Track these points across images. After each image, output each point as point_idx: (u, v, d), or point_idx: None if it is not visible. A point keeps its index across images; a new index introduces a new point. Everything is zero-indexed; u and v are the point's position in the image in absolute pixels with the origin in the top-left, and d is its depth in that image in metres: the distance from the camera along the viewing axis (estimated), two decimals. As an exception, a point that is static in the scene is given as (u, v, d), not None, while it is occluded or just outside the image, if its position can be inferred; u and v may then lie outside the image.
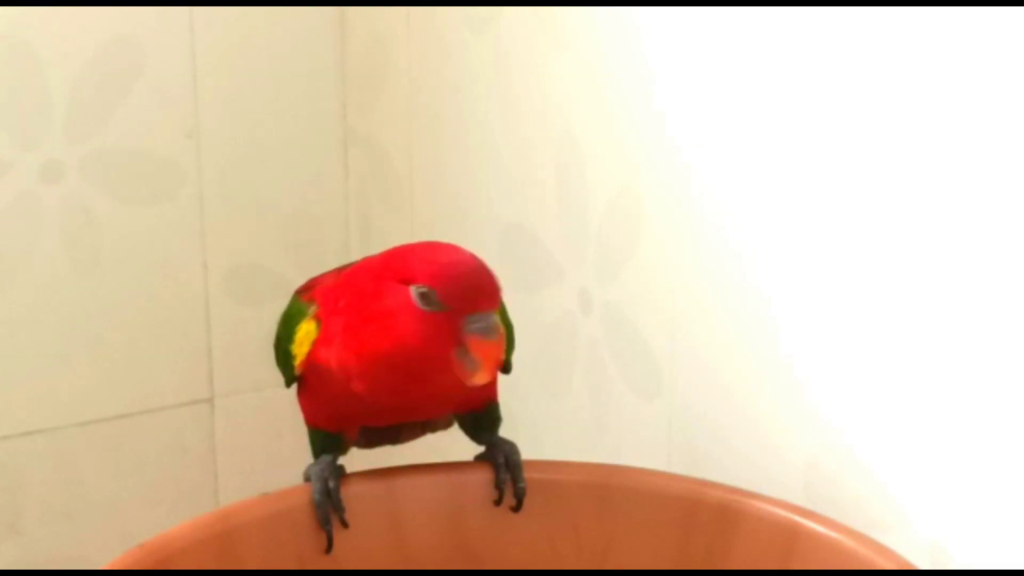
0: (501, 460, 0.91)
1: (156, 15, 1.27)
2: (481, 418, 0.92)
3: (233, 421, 1.37)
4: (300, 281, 1.36)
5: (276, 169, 1.35)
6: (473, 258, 0.81)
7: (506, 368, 0.91)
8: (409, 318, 0.80)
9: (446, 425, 0.96)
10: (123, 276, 1.31)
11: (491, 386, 0.91)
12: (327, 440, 0.90)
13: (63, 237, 1.28)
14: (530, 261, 1.11)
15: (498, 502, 0.91)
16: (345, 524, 0.89)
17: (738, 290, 0.95)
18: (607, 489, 0.91)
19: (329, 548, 0.88)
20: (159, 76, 1.28)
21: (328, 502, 0.88)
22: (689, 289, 0.99)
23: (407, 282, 0.80)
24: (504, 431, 0.93)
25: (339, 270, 0.90)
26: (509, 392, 0.93)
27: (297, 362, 0.86)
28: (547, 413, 1.14)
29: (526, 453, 0.92)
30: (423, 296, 0.79)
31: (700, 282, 0.98)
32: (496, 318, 0.79)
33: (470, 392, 0.84)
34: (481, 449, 0.93)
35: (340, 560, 0.89)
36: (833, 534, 0.85)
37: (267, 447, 1.38)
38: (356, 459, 0.94)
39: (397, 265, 0.82)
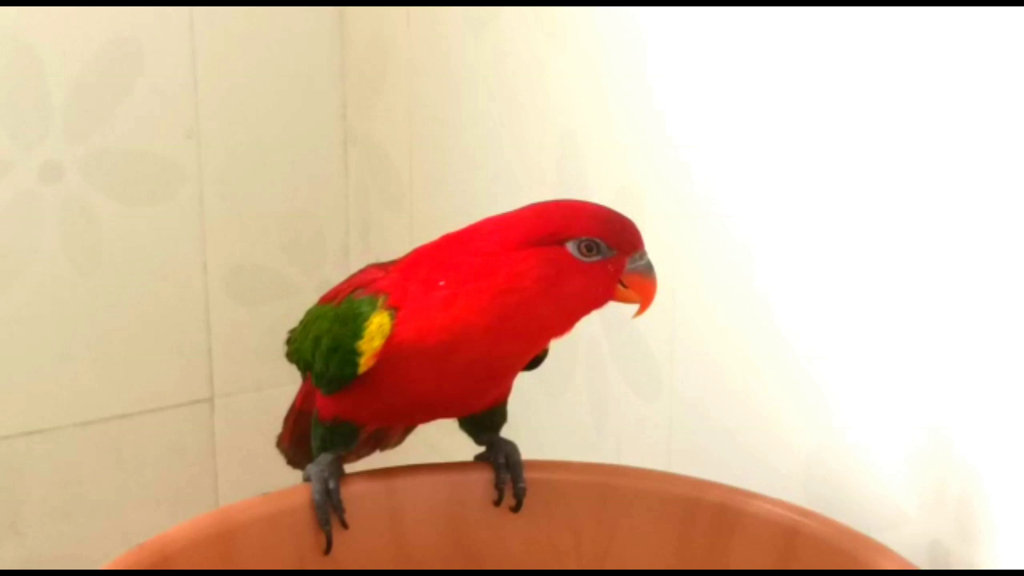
0: (501, 460, 0.91)
1: (156, 15, 1.27)
2: (495, 414, 0.92)
3: (233, 421, 1.38)
4: (300, 281, 1.37)
5: (276, 169, 1.35)
6: (600, 205, 0.85)
7: (534, 363, 0.91)
8: (574, 272, 0.82)
9: (395, 443, 0.97)
10: (123, 276, 1.31)
11: (509, 382, 0.91)
12: (343, 435, 0.90)
13: (63, 237, 1.28)
14: (530, 261, 1.11)
15: (498, 502, 0.91)
16: (345, 525, 0.89)
17: (738, 290, 0.95)
18: (607, 489, 0.91)
19: (328, 548, 0.88)
20: (159, 76, 1.28)
21: (328, 502, 0.88)
22: (689, 289, 0.99)
23: (559, 242, 0.82)
24: (504, 431, 0.93)
25: (383, 266, 0.89)
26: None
27: (366, 357, 0.85)
28: (547, 413, 1.14)
29: (526, 453, 0.92)
30: (588, 247, 0.82)
31: (700, 282, 0.98)
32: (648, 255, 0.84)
33: (506, 386, 0.90)
34: (481, 449, 0.93)
35: (340, 560, 0.89)
36: (833, 534, 0.85)
37: (267, 447, 1.38)
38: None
39: (531, 231, 0.83)
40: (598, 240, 0.82)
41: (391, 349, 0.84)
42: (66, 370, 1.31)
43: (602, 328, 1.07)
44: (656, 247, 1.01)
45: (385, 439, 0.97)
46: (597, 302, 0.84)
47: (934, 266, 0.82)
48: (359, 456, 0.96)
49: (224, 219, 1.34)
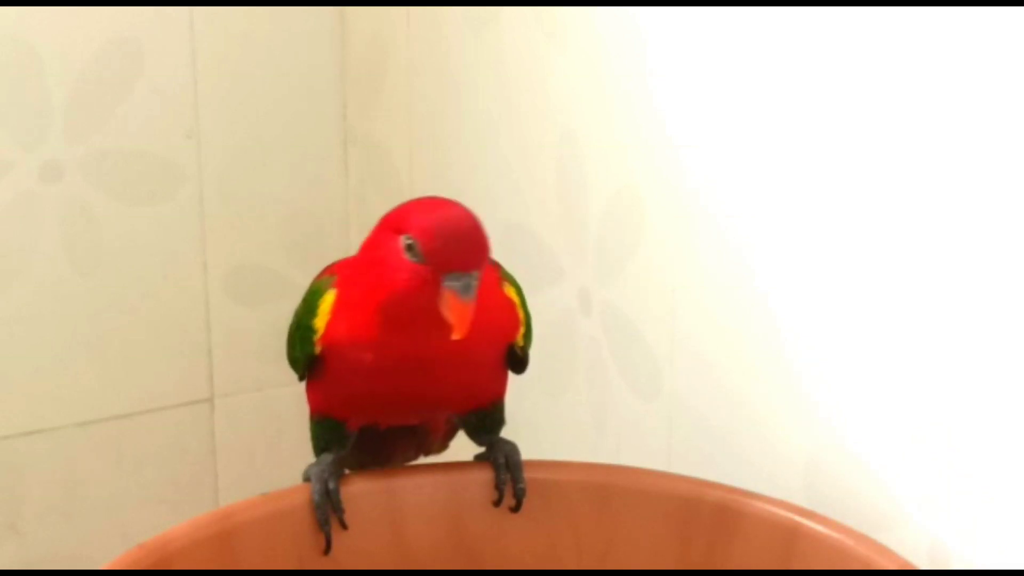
0: (501, 460, 0.91)
1: (156, 15, 1.27)
2: (486, 417, 0.92)
3: (233, 421, 1.38)
4: (300, 281, 1.36)
5: (276, 169, 1.35)
6: (465, 217, 0.82)
7: (520, 367, 0.91)
8: (396, 265, 0.81)
9: (440, 448, 0.97)
10: (123, 276, 1.31)
11: (500, 383, 0.91)
12: (330, 431, 0.90)
13: (63, 237, 1.28)
14: (530, 261, 1.11)
15: (498, 502, 0.91)
16: (344, 525, 0.89)
17: (738, 290, 0.95)
18: (607, 489, 0.91)
19: (328, 549, 0.88)
20: (159, 76, 1.28)
21: (327, 503, 0.88)
22: (689, 289, 0.99)
23: (400, 232, 0.81)
24: (504, 431, 0.93)
25: None
26: (509, 392, 0.92)
27: (317, 336, 0.86)
28: (547, 413, 1.14)
29: (526, 453, 0.92)
30: (409, 247, 0.81)
31: (700, 282, 0.98)
32: (474, 280, 0.80)
33: (475, 385, 0.88)
34: (481, 449, 0.93)
35: (340, 560, 0.89)
36: (833, 534, 0.85)
37: (267, 447, 1.38)
38: (356, 459, 0.94)
39: (396, 215, 0.84)
40: (416, 243, 0.80)
41: (331, 330, 0.86)
42: (66, 370, 1.30)
43: (602, 328, 1.07)
44: (656, 247, 1.01)
45: (423, 438, 0.96)
46: (421, 305, 0.81)
47: (933, 267, 0.82)
48: (404, 460, 0.96)
49: (224, 219, 1.34)
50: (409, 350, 0.84)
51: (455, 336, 0.80)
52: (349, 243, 1.39)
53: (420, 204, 0.84)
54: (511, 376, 0.92)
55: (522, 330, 0.89)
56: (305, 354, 0.88)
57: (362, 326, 0.84)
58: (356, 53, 1.33)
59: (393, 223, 0.83)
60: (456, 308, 0.80)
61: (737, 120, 0.93)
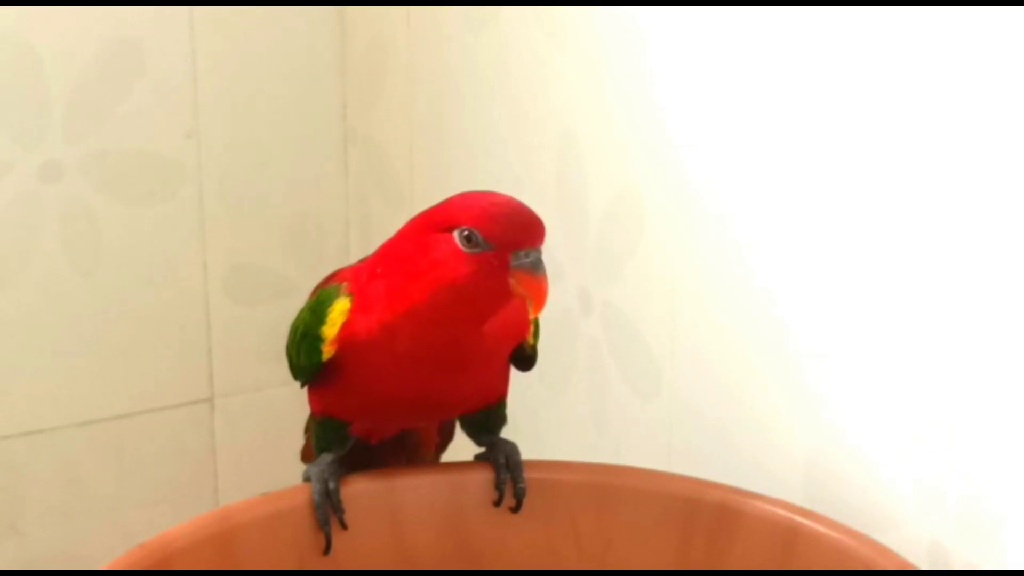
0: (502, 460, 0.91)
1: (156, 15, 1.27)
2: (490, 415, 0.92)
3: (233, 421, 1.38)
4: (300, 281, 1.37)
5: (276, 169, 1.35)
6: (511, 199, 0.83)
7: (528, 365, 0.91)
8: (456, 261, 0.81)
9: (432, 457, 0.97)
10: (123, 276, 1.31)
11: (506, 381, 0.91)
12: (334, 432, 0.90)
13: (63, 237, 1.28)
14: (530, 261, 1.11)
15: (498, 502, 0.91)
16: (344, 525, 0.89)
17: (738, 289, 0.95)
18: (607, 489, 0.91)
19: (327, 549, 0.88)
20: (159, 76, 1.28)
21: (328, 503, 0.88)
22: (689, 289, 0.99)
23: (449, 229, 0.81)
24: (504, 431, 0.93)
25: (358, 262, 0.91)
26: (510, 391, 0.93)
27: (328, 343, 0.86)
28: (547, 413, 1.14)
29: (526, 453, 0.92)
30: (467, 238, 0.81)
31: (700, 282, 0.98)
32: (541, 254, 0.81)
33: (488, 382, 0.89)
34: (481, 449, 0.93)
35: (340, 560, 0.89)
36: (833, 534, 0.85)
37: (267, 447, 1.38)
38: (356, 459, 0.93)
39: (436, 217, 0.83)
40: (475, 231, 0.81)
41: (347, 335, 0.85)
42: (66, 370, 1.31)
43: (602, 328, 1.07)
44: (656, 247, 1.01)
45: (414, 451, 0.96)
46: (492, 295, 0.82)
47: (933, 266, 0.82)
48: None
49: (224, 219, 1.34)
50: (441, 349, 0.85)
51: (532, 315, 0.81)
52: (349, 243, 1.39)
53: (460, 199, 0.84)
54: (512, 376, 0.92)
55: (532, 328, 0.90)
56: (312, 363, 0.87)
57: (395, 328, 0.84)
58: (356, 53, 1.33)
59: (434, 223, 0.83)
60: (532, 284, 0.81)
61: (737, 120, 0.93)
